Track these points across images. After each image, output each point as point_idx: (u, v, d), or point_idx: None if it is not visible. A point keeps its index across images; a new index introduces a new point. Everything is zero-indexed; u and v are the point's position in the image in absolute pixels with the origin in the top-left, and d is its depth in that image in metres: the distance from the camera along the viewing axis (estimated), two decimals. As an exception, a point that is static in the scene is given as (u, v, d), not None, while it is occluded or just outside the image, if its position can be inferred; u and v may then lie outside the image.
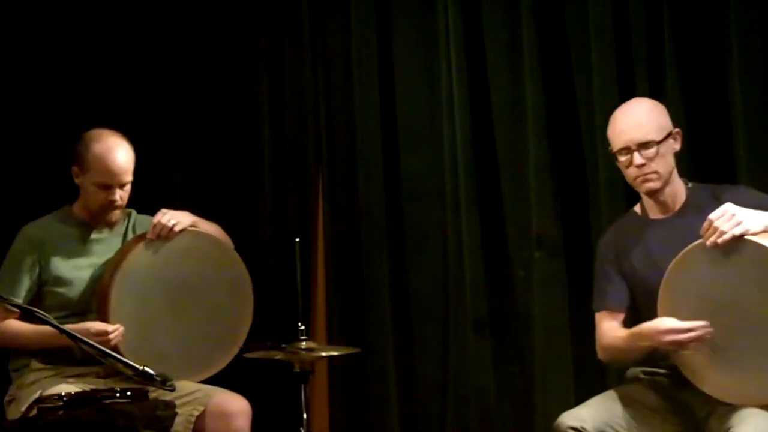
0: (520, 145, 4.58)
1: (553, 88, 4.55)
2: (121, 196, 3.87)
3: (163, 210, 3.94)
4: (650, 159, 3.58)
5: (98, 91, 4.69)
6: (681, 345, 3.40)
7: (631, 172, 3.62)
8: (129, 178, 3.87)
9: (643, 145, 3.59)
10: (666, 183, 3.62)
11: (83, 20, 4.73)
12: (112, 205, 3.87)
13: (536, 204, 4.54)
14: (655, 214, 3.68)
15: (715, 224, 3.36)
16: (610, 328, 3.65)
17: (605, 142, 4.43)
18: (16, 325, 3.79)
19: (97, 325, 3.72)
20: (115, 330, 3.72)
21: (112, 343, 3.69)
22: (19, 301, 3.76)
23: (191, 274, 3.96)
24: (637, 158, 3.59)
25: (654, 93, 4.35)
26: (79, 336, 3.27)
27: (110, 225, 3.95)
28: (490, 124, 4.63)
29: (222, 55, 4.83)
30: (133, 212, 4.03)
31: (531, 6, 4.54)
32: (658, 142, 3.59)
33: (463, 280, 4.62)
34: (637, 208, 3.76)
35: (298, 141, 4.81)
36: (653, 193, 3.63)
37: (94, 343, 3.27)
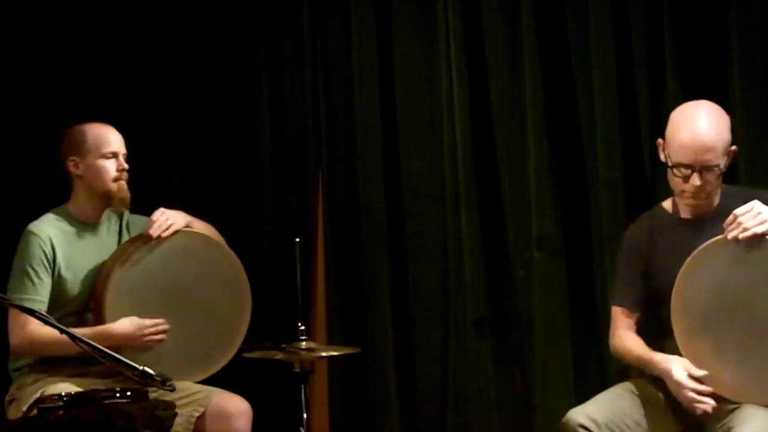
0: (520, 145, 4.58)
1: (553, 88, 4.55)
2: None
3: (161, 209, 3.94)
4: (708, 182, 3.47)
5: (98, 91, 4.69)
6: (685, 399, 3.42)
7: (684, 187, 3.50)
8: (125, 151, 3.95)
9: (709, 169, 3.46)
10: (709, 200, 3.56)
11: (82, 19, 4.72)
12: (122, 174, 3.91)
13: (536, 204, 4.54)
14: (686, 214, 3.61)
15: (740, 219, 3.35)
16: (627, 334, 3.63)
17: (605, 142, 4.46)
18: (45, 332, 3.67)
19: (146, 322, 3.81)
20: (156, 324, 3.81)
21: (158, 338, 3.80)
22: (45, 300, 3.77)
23: (187, 274, 3.95)
24: (697, 180, 3.46)
25: (654, 93, 4.36)
26: (80, 336, 3.27)
27: (123, 202, 3.94)
28: (490, 124, 4.63)
29: (222, 54, 4.83)
30: (126, 211, 4.03)
31: (531, 6, 4.54)
32: (722, 168, 3.49)
33: (463, 280, 4.62)
34: (666, 205, 3.68)
35: (298, 141, 4.81)
36: (694, 207, 3.56)
37: (95, 344, 3.27)
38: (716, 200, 3.60)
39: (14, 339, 3.78)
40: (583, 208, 4.53)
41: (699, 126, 3.48)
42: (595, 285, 4.44)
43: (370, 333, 4.70)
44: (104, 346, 3.24)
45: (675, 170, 3.50)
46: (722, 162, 3.48)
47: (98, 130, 3.94)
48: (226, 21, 4.82)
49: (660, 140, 3.60)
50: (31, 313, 3.31)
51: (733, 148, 3.55)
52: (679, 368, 3.43)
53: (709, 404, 3.39)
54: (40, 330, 3.68)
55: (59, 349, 3.68)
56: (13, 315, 3.75)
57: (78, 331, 3.38)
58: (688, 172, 3.47)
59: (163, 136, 4.78)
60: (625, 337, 3.64)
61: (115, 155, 3.91)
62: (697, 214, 3.59)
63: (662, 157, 3.58)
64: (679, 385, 3.41)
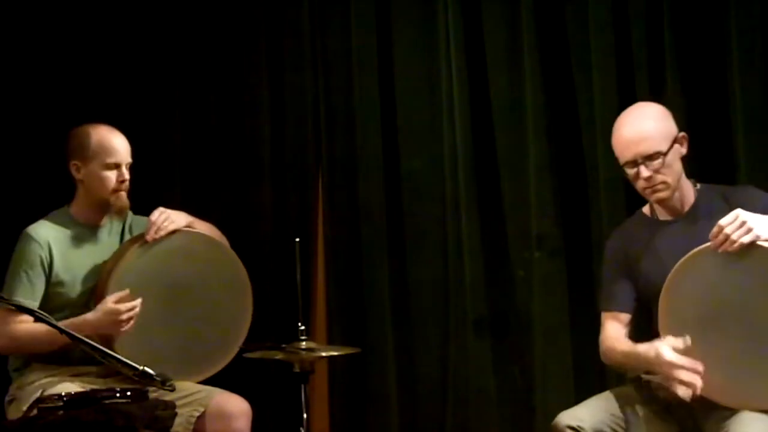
0: (520, 145, 4.58)
1: (553, 88, 4.55)
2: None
3: (161, 209, 3.94)
4: (657, 171, 3.52)
5: (98, 91, 4.70)
6: (675, 380, 3.37)
7: (639, 184, 3.56)
8: (131, 159, 3.92)
9: (650, 158, 3.52)
10: (675, 189, 3.57)
11: (83, 20, 4.73)
12: (122, 185, 3.89)
13: (536, 204, 4.54)
14: (664, 215, 3.64)
15: (726, 231, 3.32)
16: (613, 335, 3.62)
17: (605, 142, 4.43)
18: (32, 328, 3.71)
19: (110, 305, 3.74)
20: (131, 308, 3.75)
21: (125, 317, 3.73)
22: (36, 303, 3.76)
23: (188, 274, 3.95)
24: (644, 171, 3.52)
25: (654, 93, 4.35)
26: (80, 336, 3.28)
27: (121, 212, 3.94)
28: (490, 124, 4.63)
29: (222, 55, 4.83)
30: (130, 213, 4.03)
31: (531, 6, 4.54)
32: (665, 153, 3.53)
33: (463, 280, 4.62)
34: (645, 209, 3.72)
35: (298, 141, 4.81)
36: (662, 201, 3.60)
37: (95, 344, 3.27)
38: (691, 198, 3.62)
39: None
40: (583, 208, 4.53)
41: (626, 123, 3.60)
42: (595, 285, 4.43)
43: (370, 333, 4.70)
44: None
45: (625, 171, 3.57)
46: (664, 147, 3.53)
47: (103, 136, 3.89)
48: (226, 21, 4.83)
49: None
50: (31, 312, 3.32)
51: (681, 134, 3.59)
52: (667, 349, 3.38)
53: (698, 382, 3.34)
54: (21, 327, 3.70)
55: (44, 346, 3.71)
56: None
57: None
58: (635, 168, 3.54)
59: (164, 136, 4.78)
60: (611, 337, 3.63)
61: (117, 166, 3.88)
62: (674, 214, 3.62)
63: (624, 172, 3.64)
64: (671, 365, 3.36)
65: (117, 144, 3.90)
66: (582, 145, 4.52)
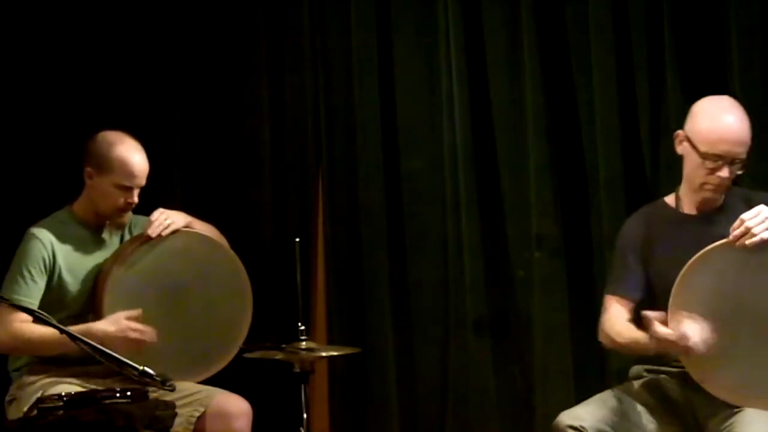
0: (520, 145, 4.58)
1: (553, 88, 4.55)
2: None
3: (161, 209, 3.93)
4: (733, 174, 3.49)
5: (98, 91, 4.69)
6: (687, 351, 3.37)
7: (707, 178, 3.50)
8: (145, 181, 3.89)
9: (738, 162, 3.48)
10: None
11: (83, 20, 4.72)
12: (128, 207, 3.88)
13: (536, 204, 4.55)
14: (689, 209, 3.60)
15: (747, 224, 3.33)
16: (616, 318, 3.59)
17: (605, 142, 4.46)
18: (37, 329, 3.68)
19: (123, 321, 3.73)
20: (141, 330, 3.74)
21: (133, 335, 3.71)
22: (35, 302, 3.76)
23: (186, 274, 3.94)
24: (726, 172, 3.47)
25: (654, 93, 4.36)
26: (79, 336, 3.27)
27: (120, 227, 3.94)
28: (490, 124, 4.63)
29: (222, 55, 4.83)
30: (130, 212, 4.02)
31: (531, 6, 4.54)
32: (746, 163, 3.52)
33: (463, 280, 4.62)
34: (669, 200, 3.67)
35: (298, 141, 4.81)
36: (711, 200, 3.56)
37: (95, 344, 3.27)
38: (720, 199, 3.59)
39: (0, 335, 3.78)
40: (583, 208, 4.53)
41: (734, 119, 3.52)
42: (596, 285, 4.44)
43: (370, 333, 4.70)
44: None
45: (705, 162, 3.49)
46: (745, 156, 3.51)
47: (126, 156, 3.83)
48: (226, 21, 4.83)
49: (680, 132, 3.58)
50: (31, 312, 3.32)
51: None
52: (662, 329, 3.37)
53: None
54: (24, 327, 3.69)
55: (46, 348, 3.70)
56: (1, 312, 3.75)
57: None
58: (719, 163, 3.48)
59: (164, 136, 4.77)
60: (616, 321, 3.60)
61: (129, 188, 3.84)
62: (701, 210, 3.59)
63: (679, 149, 3.57)
64: (660, 340, 3.36)
65: (135, 167, 3.83)
66: (582, 145, 4.52)
